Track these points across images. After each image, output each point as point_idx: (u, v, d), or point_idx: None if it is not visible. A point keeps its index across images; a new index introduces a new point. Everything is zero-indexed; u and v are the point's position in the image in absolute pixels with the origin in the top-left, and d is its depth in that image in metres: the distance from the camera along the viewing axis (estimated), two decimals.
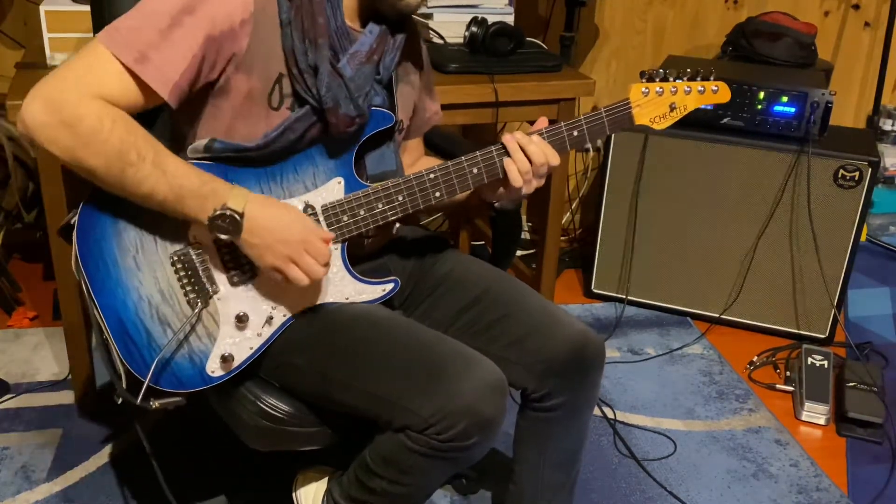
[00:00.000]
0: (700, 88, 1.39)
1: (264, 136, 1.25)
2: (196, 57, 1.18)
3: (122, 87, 1.16)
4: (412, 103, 1.49)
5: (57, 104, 1.11)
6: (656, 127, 1.39)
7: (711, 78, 1.39)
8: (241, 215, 1.19)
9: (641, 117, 1.38)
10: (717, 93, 1.40)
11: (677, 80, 1.38)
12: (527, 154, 1.32)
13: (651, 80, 1.38)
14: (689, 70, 1.39)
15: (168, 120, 1.35)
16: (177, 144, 1.32)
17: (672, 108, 1.39)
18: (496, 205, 1.45)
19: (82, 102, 1.12)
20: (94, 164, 1.14)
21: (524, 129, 1.37)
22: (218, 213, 1.18)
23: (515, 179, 1.32)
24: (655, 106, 1.38)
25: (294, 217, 1.25)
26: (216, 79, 1.24)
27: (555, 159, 1.34)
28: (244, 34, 1.21)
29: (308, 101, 1.25)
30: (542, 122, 1.36)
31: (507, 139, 1.33)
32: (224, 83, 1.24)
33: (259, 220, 1.21)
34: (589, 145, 1.38)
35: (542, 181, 1.37)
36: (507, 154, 1.33)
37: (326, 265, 1.26)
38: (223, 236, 1.20)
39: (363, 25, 1.32)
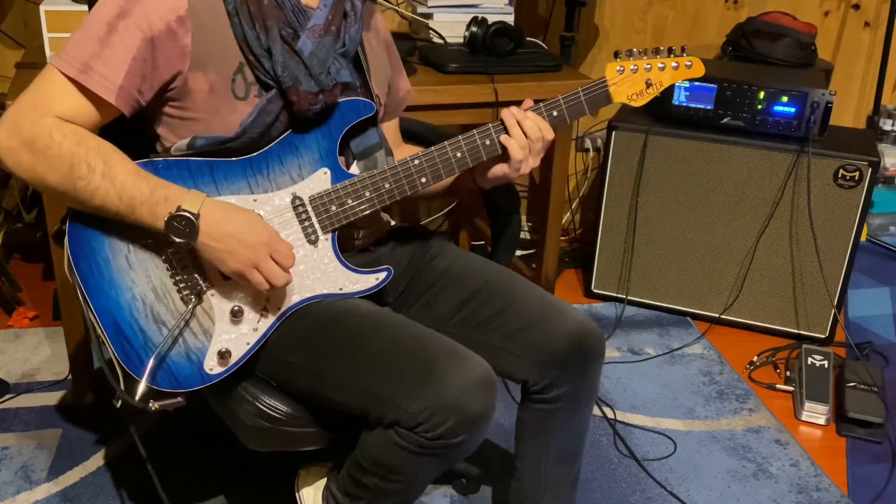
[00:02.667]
0: (674, 64, 1.42)
1: (241, 125, 1.26)
2: (136, 59, 1.20)
3: (74, 102, 1.20)
4: (385, 80, 1.50)
5: (16, 127, 1.17)
6: (634, 104, 1.43)
7: (684, 54, 1.43)
8: (197, 216, 1.19)
9: (619, 95, 1.42)
10: (690, 68, 1.43)
11: (650, 57, 1.42)
12: (522, 129, 1.35)
13: (625, 58, 1.41)
14: (661, 48, 1.43)
15: (145, 129, 1.36)
16: (158, 151, 1.33)
17: (648, 85, 1.42)
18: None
19: (36, 122, 1.17)
20: (52, 181, 1.18)
21: None
22: (174, 215, 1.18)
23: (516, 153, 1.34)
24: (631, 83, 1.42)
25: (256, 220, 1.25)
26: (169, 81, 1.24)
27: (549, 133, 1.37)
28: (184, 31, 1.22)
29: (270, 83, 1.26)
30: (528, 104, 1.39)
31: (506, 114, 1.35)
32: (181, 84, 1.25)
33: (219, 224, 1.21)
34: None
35: (538, 159, 1.39)
36: (505, 130, 1.35)
37: (288, 272, 1.26)
38: (180, 240, 1.20)
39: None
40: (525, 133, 1.35)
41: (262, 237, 1.23)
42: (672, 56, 1.42)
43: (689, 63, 1.42)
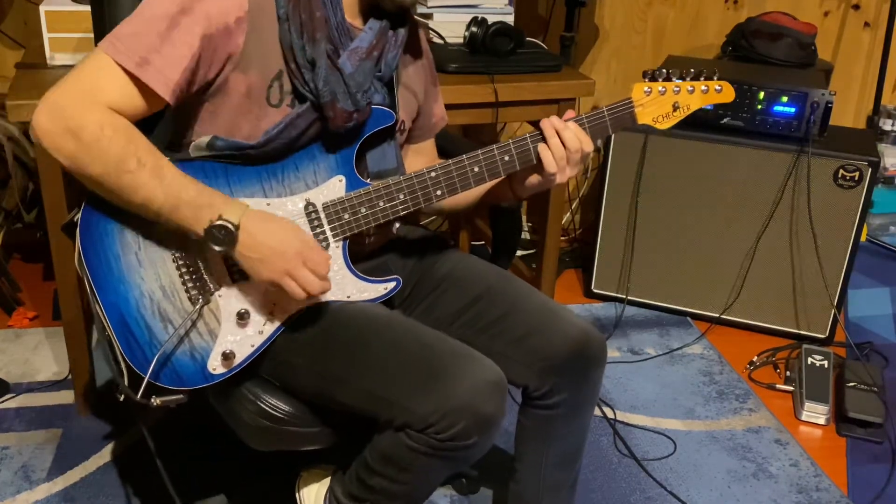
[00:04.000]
0: (703, 88, 1.38)
1: (265, 134, 1.26)
2: (195, 56, 1.19)
3: (125, 93, 1.18)
4: (415, 105, 1.49)
5: (61, 113, 1.15)
6: (659, 127, 1.39)
7: (715, 77, 1.39)
8: (237, 227, 1.19)
9: (644, 117, 1.38)
10: (720, 92, 1.39)
11: (680, 80, 1.38)
12: (561, 139, 1.33)
13: (654, 79, 1.37)
14: (692, 70, 1.38)
15: (168, 121, 1.36)
16: (177, 145, 1.33)
17: (675, 108, 1.39)
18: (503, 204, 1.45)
19: (85, 111, 1.15)
20: (94, 172, 1.17)
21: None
22: (215, 223, 1.18)
23: (550, 165, 1.33)
24: (658, 105, 1.38)
25: (292, 231, 1.25)
26: (213, 78, 1.24)
27: (588, 145, 1.34)
28: (240, 32, 1.22)
29: (306, 95, 1.25)
30: (570, 115, 1.36)
31: (545, 124, 1.33)
32: (222, 82, 1.25)
33: (256, 236, 1.21)
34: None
35: (577, 170, 1.36)
36: (543, 140, 1.33)
37: (324, 279, 1.26)
38: (218, 248, 1.19)
39: (364, 23, 1.33)
40: (564, 143, 1.32)
41: (294, 246, 1.23)
42: (702, 79, 1.38)
43: (718, 87, 1.38)
